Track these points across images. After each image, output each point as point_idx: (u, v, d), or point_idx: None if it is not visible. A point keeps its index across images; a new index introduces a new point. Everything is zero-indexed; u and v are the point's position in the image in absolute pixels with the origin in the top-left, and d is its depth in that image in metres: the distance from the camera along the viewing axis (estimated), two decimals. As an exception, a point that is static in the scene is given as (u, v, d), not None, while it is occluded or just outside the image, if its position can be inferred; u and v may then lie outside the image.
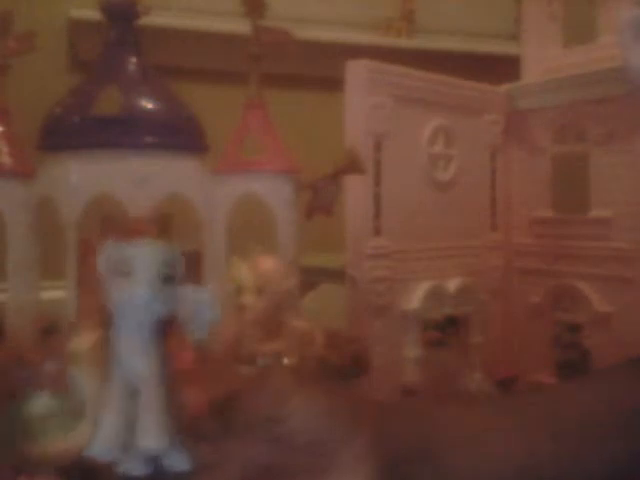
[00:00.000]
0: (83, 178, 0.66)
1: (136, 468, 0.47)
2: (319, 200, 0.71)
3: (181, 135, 0.71)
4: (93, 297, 0.51)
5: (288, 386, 0.50)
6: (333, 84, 0.82)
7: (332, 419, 0.45)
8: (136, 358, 0.47)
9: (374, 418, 0.46)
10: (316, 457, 0.43)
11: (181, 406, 0.48)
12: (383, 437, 0.44)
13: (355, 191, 0.79)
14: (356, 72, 0.80)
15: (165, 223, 0.61)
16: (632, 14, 0.48)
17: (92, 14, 0.89)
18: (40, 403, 0.54)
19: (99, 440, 0.47)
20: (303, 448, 0.44)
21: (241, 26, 0.74)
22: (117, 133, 0.67)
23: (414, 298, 0.83)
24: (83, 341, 0.52)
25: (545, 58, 0.98)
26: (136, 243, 0.50)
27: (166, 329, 0.49)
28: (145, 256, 0.49)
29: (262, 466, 0.44)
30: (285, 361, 0.59)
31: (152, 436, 0.46)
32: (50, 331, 0.59)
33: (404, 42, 1.46)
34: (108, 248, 0.50)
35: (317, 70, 1.32)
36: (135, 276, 0.48)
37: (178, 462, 0.47)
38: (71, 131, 0.69)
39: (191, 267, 0.52)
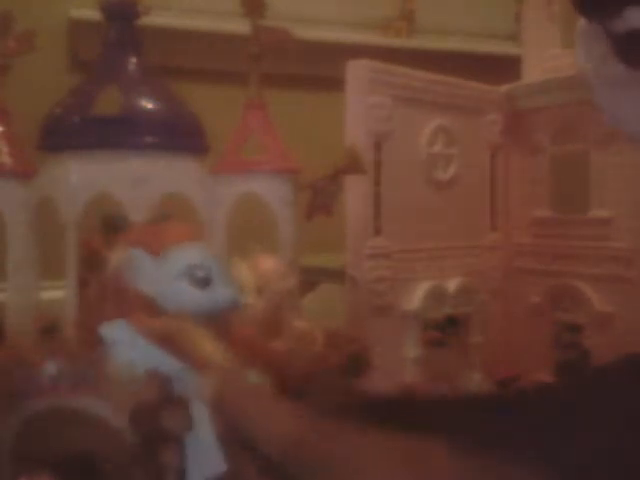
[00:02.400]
0: (83, 178, 0.66)
1: None
2: (319, 200, 0.71)
3: (181, 135, 0.71)
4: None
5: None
6: (333, 84, 0.82)
7: None
8: None
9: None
10: None
11: None
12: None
13: (355, 191, 0.79)
14: (356, 72, 0.80)
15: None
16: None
17: (92, 14, 0.89)
18: None
19: None
20: None
21: (241, 26, 0.74)
22: (117, 133, 0.67)
23: (414, 298, 0.83)
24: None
25: (545, 58, 0.98)
26: (191, 247, 0.50)
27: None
28: (217, 260, 0.50)
29: None
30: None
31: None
32: (50, 331, 0.59)
33: (404, 42, 1.45)
34: (142, 259, 0.49)
35: (317, 70, 1.32)
36: (219, 281, 0.49)
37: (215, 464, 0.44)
38: (71, 131, 0.69)
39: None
